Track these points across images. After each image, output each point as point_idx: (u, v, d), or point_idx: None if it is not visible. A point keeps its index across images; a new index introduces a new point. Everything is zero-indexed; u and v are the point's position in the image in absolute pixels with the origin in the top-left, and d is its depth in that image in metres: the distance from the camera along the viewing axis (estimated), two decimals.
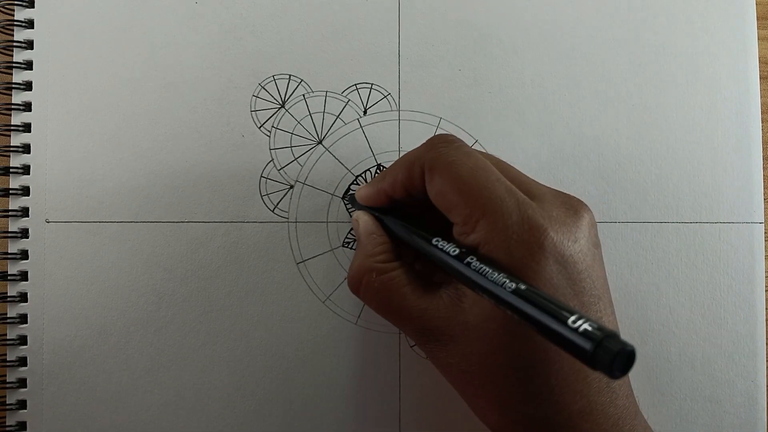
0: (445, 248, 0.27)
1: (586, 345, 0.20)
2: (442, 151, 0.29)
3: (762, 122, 0.38)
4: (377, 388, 0.36)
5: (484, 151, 0.37)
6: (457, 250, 0.27)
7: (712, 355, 0.37)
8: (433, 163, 0.28)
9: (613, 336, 0.20)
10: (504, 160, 0.31)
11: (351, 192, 0.37)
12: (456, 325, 0.27)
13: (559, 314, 0.21)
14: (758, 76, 0.38)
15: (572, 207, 0.28)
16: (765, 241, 0.38)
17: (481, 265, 0.25)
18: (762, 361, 0.37)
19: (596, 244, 0.29)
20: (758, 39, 0.38)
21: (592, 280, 0.27)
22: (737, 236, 0.38)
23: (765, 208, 0.38)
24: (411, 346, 0.37)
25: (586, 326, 0.20)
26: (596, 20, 0.38)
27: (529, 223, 0.26)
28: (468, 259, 0.26)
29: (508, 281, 0.24)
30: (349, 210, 0.37)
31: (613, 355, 0.19)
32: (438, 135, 0.30)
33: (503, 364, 0.26)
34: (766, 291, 0.37)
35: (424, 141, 0.30)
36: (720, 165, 0.38)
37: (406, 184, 0.30)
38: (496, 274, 0.24)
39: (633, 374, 0.37)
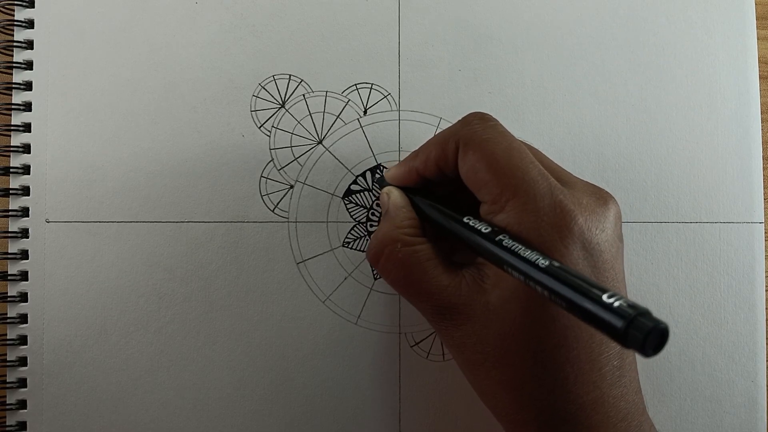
0: (476, 226, 0.27)
1: (619, 322, 0.20)
2: (477, 128, 0.29)
3: (762, 122, 0.38)
4: (377, 388, 0.36)
5: None
6: (489, 228, 0.27)
7: (712, 355, 0.37)
8: (468, 140, 0.28)
9: (646, 313, 0.19)
10: (534, 148, 0.31)
11: (378, 174, 0.37)
12: (476, 305, 0.27)
13: (591, 291, 0.21)
14: (758, 76, 0.38)
15: (601, 197, 0.29)
16: (765, 240, 0.38)
17: (513, 243, 0.25)
18: (762, 361, 0.37)
19: (620, 238, 0.29)
20: (758, 39, 0.38)
21: (614, 272, 0.28)
22: (737, 236, 0.38)
23: (765, 208, 0.38)
24: (411, 346, 0.37)
25: (619, 303, 0.20)
26: (596, 20, 0.38)
27: (560, 207, 0.26)
28: (500, 237, 0.26)
29: (541, 258, 0.24)
30: (351, 210, 0.37)
31: (645, 333, 0.19)
32: (474, 112, 0.30)
33: (520, 346, 0.26)
34: (766, 291, 0.37)
35: (457, 120, 0.30)
36: (720, 165, 0.38)
37: (438, 161, 0.30)
38: (529, 252, 0.24)
39: None
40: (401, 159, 0.37)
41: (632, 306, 0.20)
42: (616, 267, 0.28)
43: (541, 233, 0.26)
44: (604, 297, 0.21)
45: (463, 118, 0.30)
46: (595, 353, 0.26)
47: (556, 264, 0.23)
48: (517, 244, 0.25)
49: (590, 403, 0.26)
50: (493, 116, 0.30)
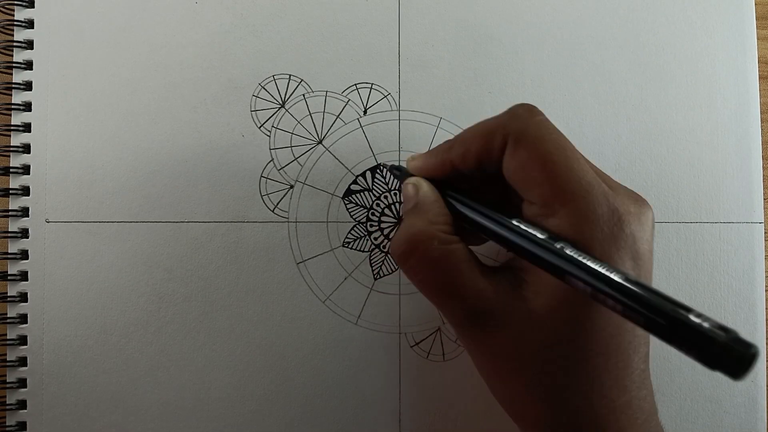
0: (530, 232, 0.25)
1: (714, 347, 0.19)
2: (528, 122, 0.26)
3: (762, 122, 0.38)
4: (377, 388, 0.36)
5: None
6: (545, 234, 0.25)
7: None
8: (519, 135, 0.26)
9: (736, 336, 0.19)
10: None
11: (391, 164, 0.35)
12: (514, 312, 0.26)
13: (678, 312, 0.20)
14: (757, 76, 0.38)
15: (642, 203, 0.27)
16: (765, 241, 0.38)
17: (578, 252, 0.23)
18: (762, 361, 0.37)
19: (649, 244, 0.28)
20: (758, 39, 0.38)
21: (651, 280, 0.27)
22: (737, 236, 0.38)
23: (765, 208, 0.38)
24: (411, 347, 0.37)
25: (708, 324, 0.19)
26: (596, 20, 0.38)
27: (617, 215, 0.25)
28: (560, 245, 0.24)
29: (613, 272, 0.22)
30: (350, 210, 0.37)
31: (739, 358, 0.18)
32: (521, 104, 0.27)
33: (564, 356, 0.25)
34: (766, 291, 0.37)
35: (504, 110, 0.28)
36: (720, 165, 0.38)
37: (481, 155, 0.28)
38: (598, 264, 0.23)
39: None
40: (401, 159, 0.37)
41: (722, 328, 0.19)
42: (651, 274, 0.27)
43: (600, 241, 0.25)
44: (692, 317, 0.20)
45: (510, 110, 0.27)
46: (630, 359, 0.26)
47: (632, 277, 0.22)
48: (582, 254, 0.23)
49: (621, 406, 0.26)
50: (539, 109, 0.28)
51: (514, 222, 0.26)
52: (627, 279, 0.22)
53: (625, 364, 0.26)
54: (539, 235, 0.25)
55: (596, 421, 0.26)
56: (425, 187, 0.29)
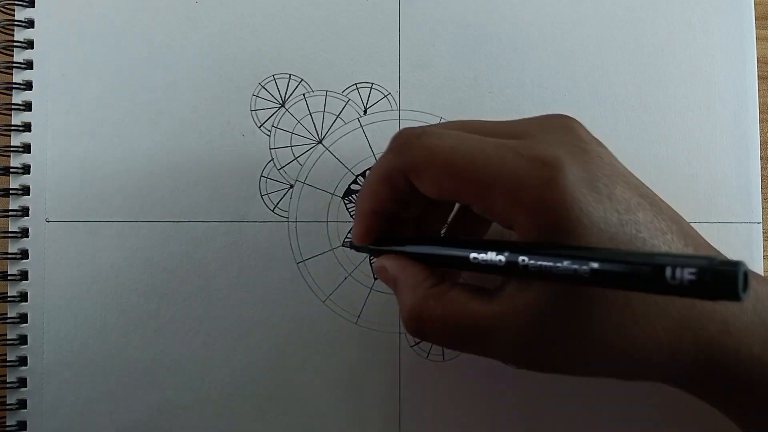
0: (488, 262, 0.25)
1: (703, 279, 0.18)
2: (412, 148, 0.26)
3: (761, 122, 0.38)
4: (377, 388, 0.36)
5: None
6: (503, 258, 0.24)
7: None
8: (412, 164, 0.26)
9: (716, 262, 0.18)
10: (466, 119, 0.29)
11: (348, 240, 0.36)
12: (543, 313, 0.24)
13: (650, 265, 0.20)
14: (756, 76, 0.38)
15: (553, 124, 0.27)
16: (764, 240, 0.38)
17: (539, 263, 0.23)
18: None
19: (599, 144, 0.27)
20: (758, 39, 0.38)
21: (624, 176, 0.26)
22: (736, 236, 0.38)
23: (764, 208, 0.38)
24: (411, 346, 0.37)
25: (687, 272, 0.19)
26: (596, 21, 0.38)
27: (538, 159, 0.24)
28: (521, 262, 0.23)
29: (577, 267, 0.21)
30: (351, 210, 0.37)
31: (730, 281, 0.18)
32: (398, 135, 0.27)
33: (608, 305, 0.24)
34: None
35: (385, 150, 0.28)
36: (718, 165, 0.38)
37: (394, 196, 0.28)
38: (561, 263, 0.22)
39: None
40: None
41: (698, 263, 0.19)
42: (617, 167, 0.26)
43: (540, 195, 0.24)
44: (668, 270, 0.19)
45: (392, 146, 0.27)
46: (628, 304, 0.25)
47: (596, 265, 0.21)
48: (543, 261, 0.22)
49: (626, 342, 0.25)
50: (414, 126, 0.28)
51: (471, 259, 0.25)
52: (592, 270, 0.21)
53: (632, 309, 0.25)
54: (499, 263, 0.24)
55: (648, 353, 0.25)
56: (388, 263, 0.29)
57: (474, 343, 0.26)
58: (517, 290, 0.25)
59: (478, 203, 0.26)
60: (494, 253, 0.24)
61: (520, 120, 0.28)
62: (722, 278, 0.18)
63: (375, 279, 0.37)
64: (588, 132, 0.27)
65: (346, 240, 0.37)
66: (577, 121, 0.27)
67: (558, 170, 0.24)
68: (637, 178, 0.27)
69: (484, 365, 0.37)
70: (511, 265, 0.24)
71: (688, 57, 0.38)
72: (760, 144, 0.38)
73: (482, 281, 0.28)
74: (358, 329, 0.37)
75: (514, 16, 0.38)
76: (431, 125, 0.28)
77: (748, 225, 0.38)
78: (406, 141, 0.27)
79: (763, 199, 0.38)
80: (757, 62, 0.38)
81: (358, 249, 0.32)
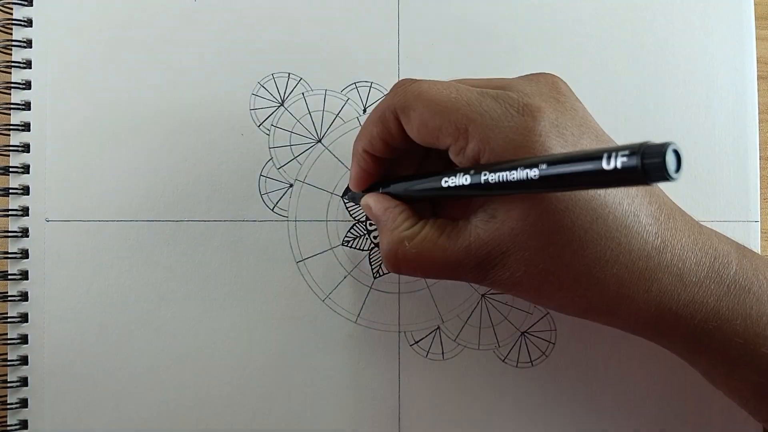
0: (457, 184, 0.27)
1: (634, 163, 0.19)
2: (406, 89, 0.29)
3: (760, 122, 0.38)
4: (377, 387, 0.37)
5: None
6: (468, 177, 0.26)
7: None
8: (403, 103, 0.29)
9: (646, 146, 0.19)
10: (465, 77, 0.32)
11: (347, 193, 0.37)
12: (503, 241, 0.27)
13: (590, 158, 0.21)
14: (756, 75, 0.38)
15: (537, 78, 0.29)
16: (761, 240, 0.38)
17: (498, 174, 0.25)
18: None
19: (576, 100, 0.29)
20: (758, 39, 0.38)
21: (595, 129, 0.28)
22: (733, 235, 0.38)
23: (762, 207, 0.38)
24: (410, 345, 0.37)
25: (620, 155, 0.20)
26: (596, 20, 0.38)
27: (513, 106, 0.27)
28: (483, 178, 0.26)
29: (529, 171, 0.23)
30: (350, 208, 0.37)
31: (662, 159, 0.19)
32: (397, 82, 0.30)
33: (563, 243, 0.26)
34: None
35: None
36: (717, 164, 0.38)
37: (383, 136, 0.30)
38: (516, 171, 0.24)
39: (627, 367, 0.37)
40: None
41: (630, 147, 0.20)
42: (589, 121, 0.29)
43: (512, 139, 0.26)
44: (604, 157, 0.20)
45: (389, 91, 0.30)
46: (582, 246, 0.27)
47: (544, 166, 0.23)
48: (501, 173, 0.25)
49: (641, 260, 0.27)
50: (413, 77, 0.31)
51: (443, 184, 0.28)
52: (542, 173, 0.23)
53: (615, 221, 0.27)
54: (465, 183, 0.27)
55: (630, 279, 0.27)
56: (372, 200, 0.32)
57: (445, 274, 0.30)
58: (481, 221, 0.28)
59: (455, 143, 0.28)
60: (461, 174, 0.27)
61: (506, 77, 0.31)
62: (652, 156, 0.19)
63: (375, 278, 0.37)
64: (568, 88, 0.30)
65: (346, 239, 0.37)
66: (560, 78, 0.30)
67: (530, 116, 0.26)
68: (607, 136, 0.29)
69: (483, 364, 0.37)
70: (475, 184, 0.26)
71: (687, 56, 0.38)
72: (760, 144, 0.38)
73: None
74: (357, 328, 0.37)
75: (513, 15, 0.38)
76: (425, 79, 0.30)
77: (746, 223, 0.38)
78: (401, 84, 0.30)
79: (762, 198, 0.38)
80: (757, 62, 0.38)
81: (353, 199, 0.36)
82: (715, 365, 0.30)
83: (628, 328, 0.29)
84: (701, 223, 0.30)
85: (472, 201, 0.29)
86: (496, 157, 0.26)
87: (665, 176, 0.19)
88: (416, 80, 0.29)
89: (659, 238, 0.27)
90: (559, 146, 0.26)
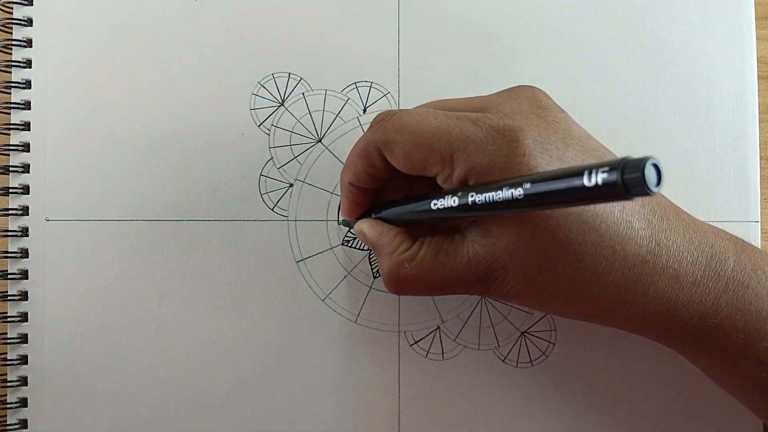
0: (445, 206, 0.28)
1: (614, 178, 0.19)
2: (385, 124, 0.29)
3: (760, 122, 0.38)
4: (376, 386, 0.37)
5: None
6: (456, 199, 0.27)
7: None
8: (385, 138, 0.29)
9: (626, 161, 0.19)
10: (439, 99, 0.33)
11: (339, 221, 0.37)
12: (500, 256, 0.27)
13: (571, 175, 0.21)
14: (756, 75, 0.38)
15: (517, 93, 0.30)
16: (762, 240, 0.38)
17: (484, 195, 0.25)
18: None
19: (558, 110, 0.29)
20: (758, 39, 0.38)
21: (579, 139, 0.28)
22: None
23: (762, 208, 0.38)
24: (410, 345, 0.37)
25: (600, 171, 0.20)
26: (596, 20, 0.38)
27: (494, 128, 0.27)
28: (470, 200, 0.26)
29: (513, 190, 0.24)
30: (348, 238, 0.37)
31: (641, 173, 0.19)
32: (376, 116, 0.31)
33: (557, 257, 0.27)
34: None
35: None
36: (717, 164, 0.38)
37: (368, 170, 0.31)
38: (501, 192, 0.24)
39: (627, 367, 0.37)
40: None
41: (610, 164, 0.20)
42: (574, 131, 0.29)
43: (496, 162, 0.26)
44: (585, 174, 0.20)
45: (370, 126, 0.31)
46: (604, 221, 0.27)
47: (527, 185, 0.23)
48: (488, 194, 0.25)
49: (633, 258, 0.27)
50: (391, 109, 0.31)
51: (432, 206, 0.28)
52: (525, 192, 0.23)
53: (611, 223, 0.27)
54: (453, 204, 0.27)
55: (628, 280, 0.27)
56: (365, 226, 0.32)
57: (447, 291, 0.30)
58: (477, 236, 0.28)
59: (441, 171, 0.28)
60: (449, 196, 0.27)
61: (485, 95, 0.31)
62: (632, 171, 0.19)
63: (374, 278, 0.37)
64: (549, 99, 0.30)
65: (346, 238, 0.37)
66: (540, 90, 0.30)
67: (512, 137, 0.27)
68: (595, 141, 0.29)
69: (483, 364, 0.37)
70: (463, 205, 0.26)
71: (687, 56, 0.38)
72: (760, 144, 0.38)
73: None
74: (357, 327, 0.37)
75: (513, 15, 0.38)
76: (403, 109, 0.31)
77: (746, 224, 0.38)
78: (381, 119, 0.30)
79: (762, 198, 0.38)
80: (757, 62, 0.38)
81: (347, 224, 0.36)
82: (716, 362, 0.30)
83: (629, 329, 0.30)
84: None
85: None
86: (483, 179, 0.27)
87: (645, 191, 0.19)
88: (395, 113, 0.30)
89: (653, 242, 0.27)
90: (544, 163, 0.26)
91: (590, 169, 0.20)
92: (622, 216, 0.27)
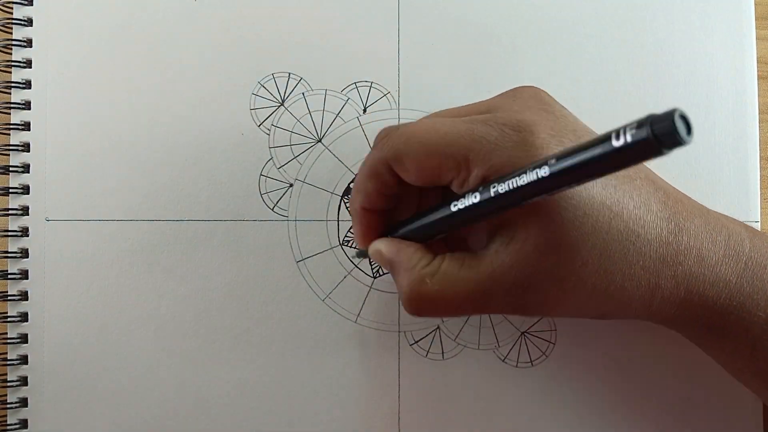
0: (467, 204, 0.27)
1: (644, 134, 0.19)
2: (392, 138, 0.29)
3: (760, 122, 0.38)
4: (376, 387, 0.37)
5: None
6: (477, 195, 0.26)
7: None
8: (394, 152, 0.28)
9: (654, 116, 0.19)
10: (439, 110, 0.32)
11: (354, 247, 0.37)
12: (529, 261, 0.26)
13: (598, 142, 0.21)
14: (756, 75, 0.38)
15: (520, 93, 0.29)
16: None
17: (507, 182, 0.24)
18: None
19: (562, 107, 0.30)
20: (758, 39, 0.38)
21: (589, 133, 0.28)
22: None
23: (762, 208, 0.38)
24: (410, 345, 0.37)
25: (628, 127, 0.20)
26: (596, 20, 0.38)
27: (508, 125, 0.27)
28: (492, 191, 0.25)
29: (539, 170, 0.23)
30: (348, 238, 0.37)
31: (672, 123, 0.19)
32: (377, 134, 0.30)
33: (589, 248, 0.26)
34: None
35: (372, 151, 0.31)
36: (717, 164, 0.38)
37: (380, 189, 0.30)
38: (525, 175, 0.23)
39: (627, 367, 0.37)
40: None
41: (638, 121, 0.19)
42: (582, 125, 0.29)
43: (514, 159, 0.26)
44: (613, 135, 0.20)
45: (375, 143, 0.30)
46: (606, 247, 0.27)
47: (553, 161, 0.23)
48: (510, 179, 0.24)
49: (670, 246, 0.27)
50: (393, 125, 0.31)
51: (452, 208, 0.27)
52: (554, 167, 0.23)
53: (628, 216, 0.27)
54: (474, 201, 0.26)
55: (659, 269, 0.27)
56: (381, 247, 0.31)
57: (474, 307, 0.28)
58: (501, 245, 0.27)
59: (457, 176, 0.27)
60: (470, 194, 0.26)
61: (487, 99, 0.31)
62: (661, 123, 0.19)
63: (374, 278, 0.37)
64: (551, 97, 0.30)
65: (346, 238, 0.37)
66: (540, 88, 0.30)
67: (528, 131, 0.26)
68: None
69: (483, 364, 0.37)
70: (485, 199, 0.26)
71: (687, 56, 0.38)
72: (760, 144, 0.38)
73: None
74: (357, 327, 0.37)
75: (513, 15, 0.38)
76: (405, 123, 0.30)
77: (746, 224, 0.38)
78: (386, 134, 0.29)
79: (762, 198, 0.38)
80: (757, 62, 0.38)
81: (361, 255, 0.34)
82: (738, 347, 0.29)
83: (659, 318, 0.29)
84: None
85: (487, 231, 0.28)
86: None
87: (679, 140, 0.19)
88: (398, 126, 0.29)
89: (673, 222, 0.27)
90: None
91: (617, 131, 0.20)
92: (641, 200, 0.27)
